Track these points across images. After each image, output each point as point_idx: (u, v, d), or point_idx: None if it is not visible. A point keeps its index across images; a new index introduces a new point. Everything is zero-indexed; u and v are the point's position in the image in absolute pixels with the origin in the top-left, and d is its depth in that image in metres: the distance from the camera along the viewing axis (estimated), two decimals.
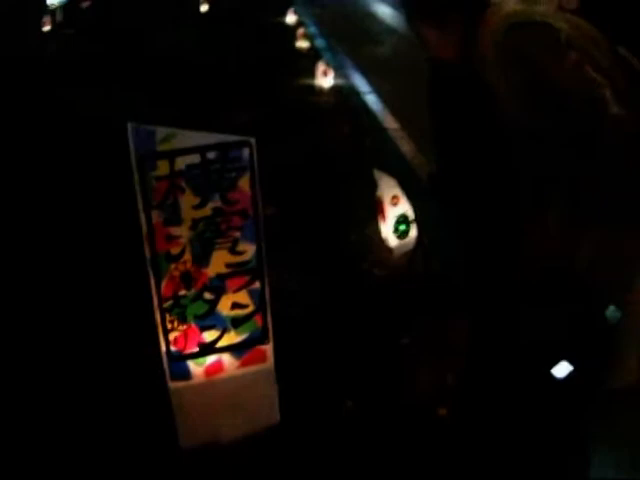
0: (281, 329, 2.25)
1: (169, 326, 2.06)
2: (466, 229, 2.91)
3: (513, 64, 2.08)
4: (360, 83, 7.36)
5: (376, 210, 3.49)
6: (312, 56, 8.28)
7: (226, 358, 2.17)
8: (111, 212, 3.81)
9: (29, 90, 6.78)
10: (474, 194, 2.98)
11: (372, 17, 13.19)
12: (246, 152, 1.99)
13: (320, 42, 9.97)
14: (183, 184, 1.95)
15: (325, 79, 6.91)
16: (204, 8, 13.06)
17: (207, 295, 2.08)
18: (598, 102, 2.00)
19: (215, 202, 2.00)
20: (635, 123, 2.04)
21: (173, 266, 2.02)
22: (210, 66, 7.53)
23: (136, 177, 1.89)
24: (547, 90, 2.03)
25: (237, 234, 2.06)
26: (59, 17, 11.66)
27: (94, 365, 2.66)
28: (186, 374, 2.14)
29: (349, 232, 3.80)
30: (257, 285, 2.12)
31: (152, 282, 2.00)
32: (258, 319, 2.16)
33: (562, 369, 1.64)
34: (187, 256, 2.02)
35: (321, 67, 6.98)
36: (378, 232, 3.53)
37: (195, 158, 1.93)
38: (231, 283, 2.09)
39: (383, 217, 3.45)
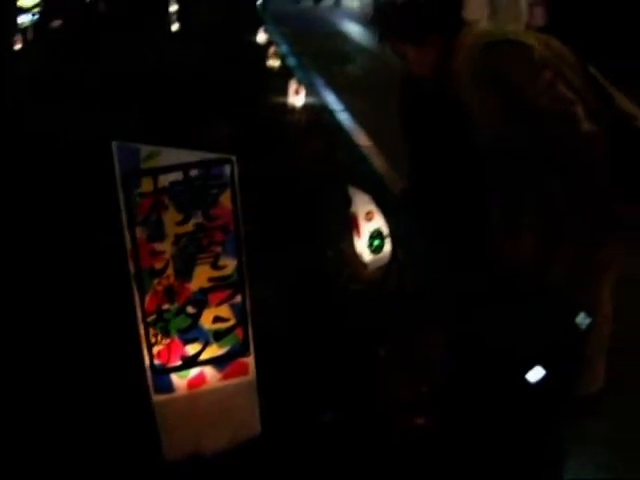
0: (262, 342, 2.29)
1: (153, 340, 2.09)
2: (439, 243, 3.00)
3: (488, 82, 2.16)
4: (332, 101, 7.47)
5: (351, 226, 3.56)
6: (284, 75, 8.36)
7: (208, 371, 2.21)
8: (95, 228, 3.83)
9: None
10: (447, 209, 3.06)
11: (342, 36, 13.38)
12: (227, 169, 2.04)
13: (291, 61, 10.07)
14: (166, 201, 1.99)
15: (297, 97, 6.99)
16: (175, 27, 13.14)
17: (190, 309, 2.12)
18: (570, 119, 2.09)
19: (197, 218, 2.05)
20: (605, 139, 2.13)
21: (157, 281, 2.05)
22: (181, 85, 7.58)
23: (121, 194, 1.94)
24: (521, 107, 2.10)
25: (218, 249, 2.11)
26: (30, 35, 11.65)
27: (78, 378, 2.67)
28: (169, 387, 2.18)
29: (325, 248, 3.86)
30: (238, 299, 2.17)
31: (136, 297, 2.04)
32: (239, 332, 2.21)
33: (536, 374, 1.70)
34: (170, 271, 2.06)
35: (293, 85, 7.06)
36: (353, 247, 3.60)
37: (178, 175, 1.98)
38: (213, 297, 2.14)
39: (358, 232, 3.53)
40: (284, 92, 7.05)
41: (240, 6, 16.42)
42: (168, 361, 2.14)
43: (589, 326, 1.77)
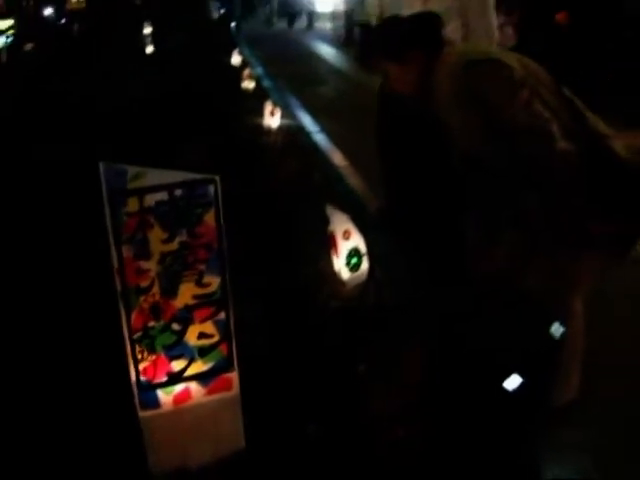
0: (245, 358, 2.34)
1: (139, 356, 2.13)
2: (417, 259, 3.08)
3: (469, 99, 2.24)
4: (308, 122, 7.56)
5: (329, 244, 3.63)
6: (259, 96, 8.43)
7: (193, 386, 2.25)
8: (82, 248, 3.86)
9: None
10: (424, 225, 3.16)
11: (316, 57, 13.52)
12: (211, 189, 2.10)
13: (267, 82, 10.15)
14: (152, 220, 2.04)
15: (273, 119, 7.04)
16: (149, 49, 13.19)
17: (175, 326, 2.16)
18: (547, 137, 2.18)
19: (182, 236, 2.10)
20: (578, 157, 2.23)
21: (142, 298, 2.10)
22: (155, 106, 7.60)
23: (108, 213, 1.99)
24: (499, 125, 2.19)
25: (203, 267, 2.16)
26: (3, 58, 11.64)
27: (65, 395, 2.70)
28: (155, 403, 2.21)
29: (303, 266, 3.91)
30: (222, 316, 2.22)
31: (122, 314, 2.08)
32: (223, 348, 2.25)
33: (513, 381, 1.78)
34: (156, 289, 2.11)
35: (269, 107, 7.12)
36: (331, 266, 3.66)
37: (163, 195, 2.03)
38: (198, 314, 2.18)
39: (336, 251, 3.60)
40: (260, 114, 7.10)
41: (214, 28, 16.56)
42: (154, 377, 2.18)
43: (563, 336, 1.85)
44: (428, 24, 2.54)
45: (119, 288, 2.06)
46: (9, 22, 12.89)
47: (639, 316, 3.48)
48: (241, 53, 11.64)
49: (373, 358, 2.93)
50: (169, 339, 2.17)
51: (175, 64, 10.93)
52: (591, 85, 4.98)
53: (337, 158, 6.20)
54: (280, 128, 6.98)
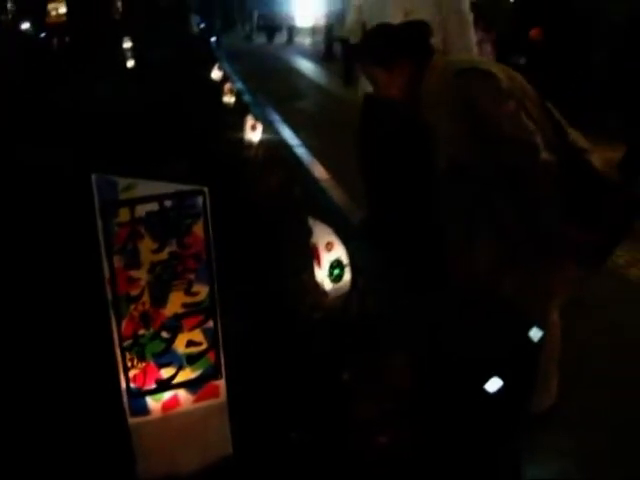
0: (232, 366, 2.39)
1: (129, 364, 2.18)
2: (398, 267, 3.15)
3: (458, 106, 2.31)
4: (289, 137, 7.63)
5: (312, 256, 3.69)
6: (240, 111, 8.49)
7: (182, 394, 2.30)
8: (72, 258, 3.89)
9: None
10: (405, 235, 3.22)
11: (296, 72, 13.63)
12: (200, 200, 2.16)
13: (247, 97, 10.23)
14: (143, 230, 2.09)
15: (254, 133, 7.06)
16: (130, 64, 13.24)
17: (164, 334, 2.21)
18: (531, 147, 2.26)
19: (172, 246, 2.15)
20: (559, 169, 2.31)
21: (133, 307, 2.14)
22: (136, 121, 7.63)
23: (99, 224, 2.03)
24: (486, 133, 2.26)
25: (191, 276, 2.21)
26: None
27: (56, 403, 2.72)
28: (145, 410, 2.25)
29: (286, 277, 3.96)
30: (210, 324, 2.27)
31: (113, 322, 2.13)
32: (211, 356, 2.30)
33: (494, 384, 1.84)
34: (146, 297, 2.15)
35: (249, 122, 7.15)
36: (314, 277, 3.72)
37: (154, 206, 2.09)
38: (186, 322, 2.23)
39: (318, 262, 3.66)
40: (241, 128, 7.14)
41: (195, 43, 16.65)
42: (143, 384, 2.22)
43: (541, 339, 1.92)
44: (418, 32, 2.60)
45: (110, 297, 2.11)
46: None
47: (616, 325, 3.58)
48: (221, 68, 11.69)
49: (357, 366, 2.99)
50: (158, 347, 2.21)
51: (156, 78, 10.96)
52: (568, 100, 5.10)
53: (319, 171, 6.28)
54: (261, 142, 7.03)
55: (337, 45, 13.91)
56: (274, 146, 7.15)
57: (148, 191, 2.09)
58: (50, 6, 22.97)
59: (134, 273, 2.13)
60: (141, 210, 2.08)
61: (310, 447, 2.52)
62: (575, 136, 2.44)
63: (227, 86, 9.73)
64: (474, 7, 3.90)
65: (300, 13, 20.50)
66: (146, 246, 2.12)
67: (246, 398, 2.60)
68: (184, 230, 2.16)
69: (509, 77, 2.40)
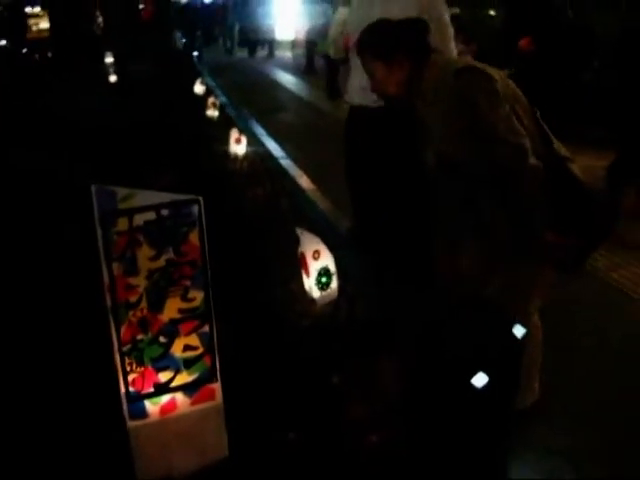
0: (227, 370, 2.47)
1: (128, 368, 2.25)
2: (386, 273, 3.24)
3: (456, 104, 2.38)
4: (274, 149, 7.72)
5: (299, 265, 3.77)
6: (224, 124, 8.56)
7: (179, 397, 2.37)
8: (72, 266, 3.95)
9: None
10: (393, 239, 3.31)
11: (278, 86, 13.73)
12: (195, 209, 2.24)
13: (231, 111, 10.30)
14: (141, 238, 2.17)
15: (238, 146, 7.11)
16: (113, 79, 13.28)
17: (162, 339, 2.28)
18: (521, 151, 2.35)
19: (168, 254, 2.23)
20: (544, 175, 2.40)
21: (131, 313, 2.22)
22: (123, 135, 7.66)
23: (99, 233, 2.11)
24: (482, 131, 2.34)
25: (188, 282, 2.29)
26: None
27: (58, 405, 2.79)
28: (143, 413, 2.32)
29: (275, 287, 4.03)
30: (206, 328, 2.34)
31: (112, 328, 2.20)
32: (207, 360, 2.37)
33: (480, 379, 1.92)
34: (144, 303, 2.23)
35: (234, 135, 7.20)
36: (302, 285, 3.80)
37: (151, 215, 2.16)
38: (183, 327, 2.31)
39: (306, 271, 3.74)
40: (226, 141, 7.19)
41: (177, 58, 16.73)
42: (142, 388, 2.29)
43: (525, 336, 2.01)
44: (416, 29, 2.67)
45: (109, 303, 2.18)
46: None
47: (597, 326, 3.69)
48: (204, 82, 11.76)
49: (347, 369, 3.07)
50: (156, 351, 2.29)
51: (139, 93, 11.00)
52: (555, 109, 5.23)
53: (304, 182, 6.36)
54: (247, 155, 7.09)
55: (318, 58, 14.02)
56: (260, 158, 7.22)
57: (145, 201, 2.16)
58: (31, 21, 23.02)
59: (132, 280, 2.20)
60: (139, 219, 2.16)
61: (303, 448, 2.59)
62: (558, 145, 2.55)
63: (211, 100, 9.80)
64: (454, 20, 4.00)
65: (281, 27, 20.60)
66: (144, 254, 2.20)
67: (240, 402, 2.66)
68: (180, 238, 2.24)
69: (503, 82, 2.49)
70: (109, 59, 14.62)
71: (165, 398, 2.35)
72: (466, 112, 2.37)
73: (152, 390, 2.31)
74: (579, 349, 3.44)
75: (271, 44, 20.50)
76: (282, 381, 2.94)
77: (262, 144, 8.06)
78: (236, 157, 7.06)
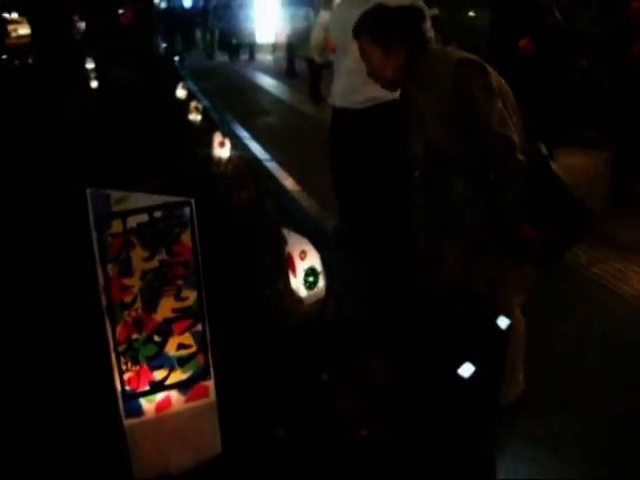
0: (220, 369, 2.52)
1: (123, 367, 2.30)
2: (372, 270, 3.30)
3: (454, 94, 2.42)
4: (258, 152, 7.77)
5: (287, 265, 3.83)
6: (207, 128, 8.58)
7: (174, 394, 2.42)
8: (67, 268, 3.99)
9: None
10: (380, 236, 3.38)
11: (260, 89, 13.78)
12: (187, 211, 2.29)
13: (213, 114, 10.32)
14: (134, 240, 2.22)
15: (222, 150, 7.14)
16: (94, 84, 13.25)
17: (156, 338, 2.33)
18: (511, 145, 2.41)
19: (161, 255, 2.28)
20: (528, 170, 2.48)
21: (126, 313, 2.26)
22: (105, 140, 7.66)
23: (94, 235, 2.16)
24: (475, 123, 2.39)
25: (180, 282, 2.34)
26: None
27: (54, 406, 2.83)
28: (139, 411, 2.37)
29: (263, 287, 4.09)
30: (199, 327, 2.40)
31: (108, 328, 2.25)
32: (200, 358, 2.43)
33: (467, 369, 1.99)
34: (138, 303, 2.28)
35: (218, 138, 7.23)
36: (289, 285, 3.86)
37: (144, 217, 2.21)
38: (177, 326, 2.36)
39: (293, 271, 3.80)
40: (209, 145, 7.21)
41: (157, 63, 16.73)
42: (138, 387, 2.34)
43: (509, 327, 2.09)
44: (415, 16, 2.71)
45: (105, 304, 2.23)
46: None
47: (578, 319, 3.79)
48: (186, 87, 11.77)
49: (335, 366, 3.13)
50: (151, 350, 2.34)
51: (120, 98, 10.99)
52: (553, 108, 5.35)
53: (289, 184, 6.43)
54: (231, 158, 7.12)
55: (299, 61, 14.07)
56: (244, 161, 7.26)
57: (138, 203, 2.21)
58: (10, 27, 22.90)
59: (127, 281, 2.25)
60: (132, 221, 2.21)
61: (293, 444, 2.65)
62: (539, 144, 2.63)
63: (193, 104, 9.82)
64: (433, 21, 4.06)
65: (261, 30, 20.62)
66: (138, 255, 2.25)
67: (234, 399, 2.72)
68: (173, 239, 2.29)
69: (496, 77, 2.55)
70: (90, 65, 14.59)
71: (160, 396, 2.40)
72: (462, 102, 2.42)
73: (147, 388, 2.36)
74: (561, 341, 3.53)
75: (252, 48, 20.51)
76: (271, 379, 3.00)
77: (246, 147, 8.10)
78: (220, 160, 7.09)
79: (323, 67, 8.37)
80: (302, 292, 3.81)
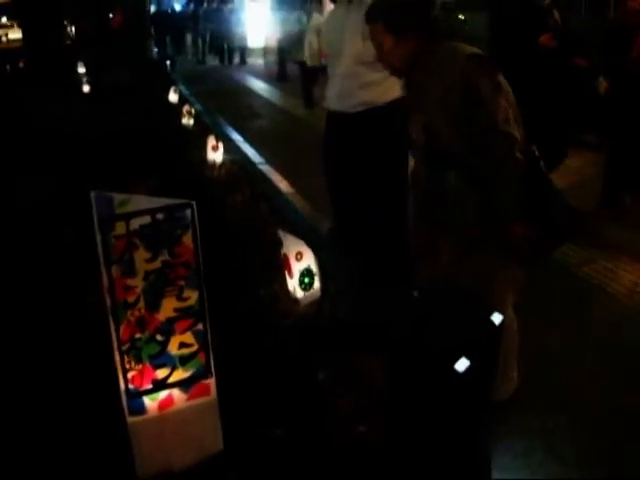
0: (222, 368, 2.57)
1: (127, 366, 2.35)
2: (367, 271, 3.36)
3: (463, 87, 2.44)
4: (252, 155, 7.82)
5: (283, 266, 3.89)
6: (201, 132, 8.60)
7: (176, 393, 2.47)
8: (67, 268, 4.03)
9: None
10: (370, 240, 3.44)
11: (251, 93, 13.83)
12: (188, 212, 2.35)
13: (206, 118, 10.36)
14: (137, 241, 2.28)
15: (216, 153, 7.15)
16: (86, 88, 13.26)
17: (159, 337, 2.38)
18: (512, 143, 2.47)
19: (164, 256, 2.33)
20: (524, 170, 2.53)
21: (130, 312, 2.32)
22: (98, 144, 7.67)
23: (98, 237, 2.21)
24: (480, 118, 2.43)
25: (182, 283, 2.39)
26: None
27: (60, 403, 2.88)
28: (142, 409, 2.42)
29: (260, 288, 4.13)
30: (200, 326, 2.45)
31: (112, 327, 2.30)
32: (202, 356, 2.48)
33: (462, 364, 2.05)
34: (141, 303, 2.33)
35: (211, 142, 7.22)
36: (286, 286, 3.91)
37: (147, 219, 2.27)
38: (179, 325, 2.41)
39: (289, 272, 3.86)
40: (203, 148, 7.23)
41: (149, 66, 16.76)
42: (141, 385, 2.39)
43: (502, 323, 2.15)
44: (429, 8, 2.74)
45: (109, 304, 2.28)
46: None
47: (568, 318, 3.86)
48: (178, 90, 11.79)
49: (331, 366, 3.18)
50: (154, 349, 2.39)
51: (113, 102, 10.99)
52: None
53: (284, 186, 6.49)
54: (225, 161, 7.15)
55: (291, 65, 14.11)
56: (238, 164, 7.30)
57: (141, 205, 2.27)
58: (1, 31, 22.89)
59: (130, 281, 2.31)
60: (135, 223, 2.26)
61: (291, 442, 2.69)
62: (532, 146, 2.69)
63: (186, 108, 9.82)
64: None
65: (252, 34, 20.64)
66: (140, 256, 2.30)
67: (234, 397, 2.77)
68: (175, 240, 2.35)
69: (501, 76, 2.60)
70: (82, 69, 14.61)
71: (163, 394, 2.44)
72: (469, 96, 2.45)
73: (150, 386, 2.41)
74: (551, 339, 3.60)
75: (243, 51, 20.53)
76: (267, 379, 3.05)
77: (239, 150, 8.14)
78: (214, 163, 7.10)
79: (318, 71, 8.40)
80: (298, 293, 3.87)
